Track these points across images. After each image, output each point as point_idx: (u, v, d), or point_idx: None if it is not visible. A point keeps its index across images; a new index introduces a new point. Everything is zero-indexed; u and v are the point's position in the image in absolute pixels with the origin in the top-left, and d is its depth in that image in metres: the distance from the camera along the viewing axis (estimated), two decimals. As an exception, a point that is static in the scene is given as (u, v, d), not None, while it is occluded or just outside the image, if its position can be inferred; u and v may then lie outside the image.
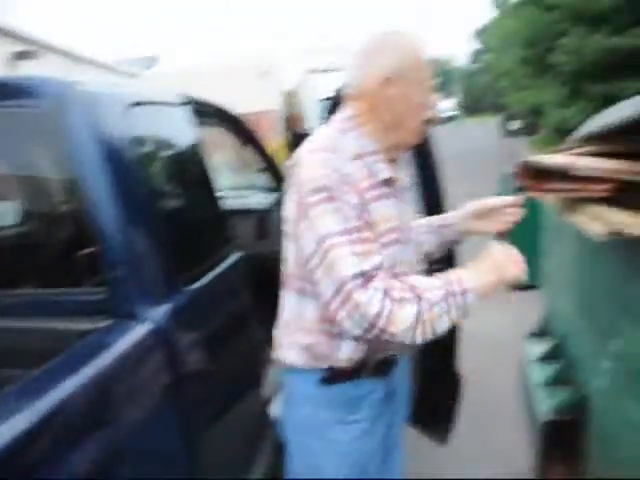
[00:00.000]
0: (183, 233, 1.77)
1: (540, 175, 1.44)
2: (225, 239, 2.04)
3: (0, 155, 1.80)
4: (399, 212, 1.38)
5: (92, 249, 1.52)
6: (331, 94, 1.87)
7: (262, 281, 2.28)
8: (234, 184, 3.54)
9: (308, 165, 1.26)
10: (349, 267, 1.18)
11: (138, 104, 1.66)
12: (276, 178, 2.98)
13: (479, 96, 58.29)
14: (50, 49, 12.86)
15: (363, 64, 1.35)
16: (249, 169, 3.00)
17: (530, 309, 2.76)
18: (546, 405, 1.84)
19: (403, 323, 1.18)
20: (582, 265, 1.89)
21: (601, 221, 1.30)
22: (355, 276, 1.17)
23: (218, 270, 1.86)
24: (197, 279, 1.71)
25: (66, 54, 13.79)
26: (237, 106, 2.77)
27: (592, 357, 1.68)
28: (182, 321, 1.56)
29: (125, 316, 1.45)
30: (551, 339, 2.20)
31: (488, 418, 3.03)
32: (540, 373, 2.05)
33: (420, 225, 1.59)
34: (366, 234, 1.23)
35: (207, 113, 2.26)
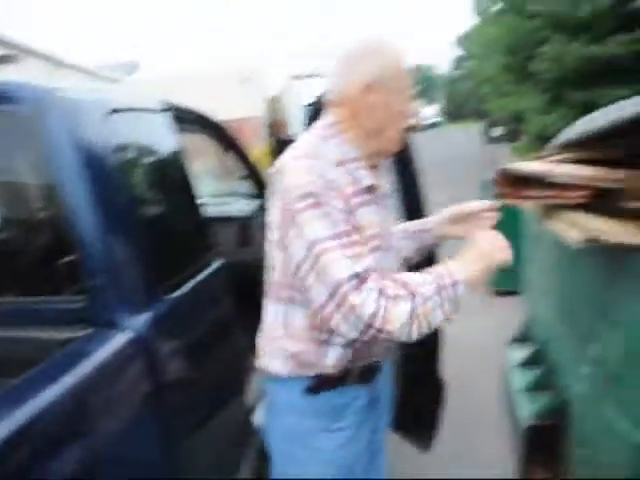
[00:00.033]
0: (164, 241, 1.76)
1: (519, 182, 1.46)
2: (207, 247, 2.03)
3: (-23, 162, 1.77)
4: (381, 219, 1.39)
5: (72, 257, 1.50)
6: (313, 100, 1.87)
7: (244, 289, 2.27)
8: (216, 191, 3.52)
9: (293, 172, 1.26)
10: (342, 270, 1.18)
11: (118, 110, 1.65)
12: (258, 185, 2.97)
13: (462, 103, 58.86)
14: (31, 53, 12.74)
15: (344, 71, 1.36)
16: (231, 176, 2.99)
17: (513, 315, 2.78)
18: (527, 410, 1.86)
19: (399, 320, 1.18)
20: (561, 271, 1.91)
21: (578, 228, 1.31)
22: (350, 278, 1.18)
23: (199, 278, 1.85)
24: (178, 287, 1.70)
25: (47, 58, 13.68)
26: (220, 112, 2.77)
27: (572, 362, 1.70)
28: (163, 329, 1.54)
29: (105, 325, 1.44)
30: (532, 345, 2.22)
31: (472, 424, 3.04)
32: (521, 379, 2.07)
33: (398, 231, 1.60)
34: (355, 237, 1.24)
35: (188, 120, 2.25)
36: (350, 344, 1.35)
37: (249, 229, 3.21)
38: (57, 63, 14.27)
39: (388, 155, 1.49)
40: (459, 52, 54.80)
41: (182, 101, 2.21)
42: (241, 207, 3.29)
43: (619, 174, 1.35)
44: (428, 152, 17.78)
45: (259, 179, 2.96)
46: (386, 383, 1.57)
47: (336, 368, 1.36)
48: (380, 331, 1.18)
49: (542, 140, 10.41)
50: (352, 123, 1.36)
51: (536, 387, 1.95)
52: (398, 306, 1.19)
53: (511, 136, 23.33)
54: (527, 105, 15.37)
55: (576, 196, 1.39)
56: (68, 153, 1.43)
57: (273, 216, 1.32)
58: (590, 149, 1.50)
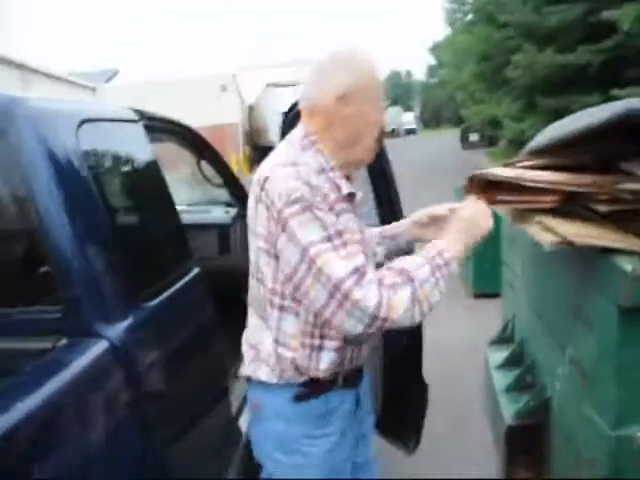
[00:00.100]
0: (141, 249, 1.74)
1: (489, 187, 1.49)
2: (185, 254, 2.02)
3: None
4: (358, 226, 1.40)
5: (47, 268, 1.48)
6: (289, 108, 1.88)
7: (223, 295, 2.27)
8: (193, 199, 3.51)
9: (279, 179, 1.27)
10: (341, 268, 1.20)
11: (90, 120, 1.64)
12: (236, 192, 2.97)
13: (438, 109, 59.55)
14: (3, 61, 12.56)
15: (318, 81, 1.36)
16: (208, 184, 2.98)
17: (494, 316, 2.82)
18: (509, 410, 1.88)
19: (402, 306, 1.21)
20: (537, 273, 1.94)
21: (550, 231, 1.34)
22: (350, 274, 1.20)
23: (177, 286, 1.84)
24: (156, 295, 1.68)
25: (20, 67, 13.50)
26: (198, 119, 2.76)
27: (551, 362, 1.73)
28: (141, 338, 1.53)
29: (82, 334, 1.42)
30: (512, 345, 2.25)
31: (455, 424, 3.06)
32: (502, 379, 2.09)
33: (372, 237, 1.62)
34: (346, 237, 1.26)
35: (162, 128, 2.24)
36: (341, 348, 1.36)
37: (227, 236, 3.20)
38: (31, 72, 14.09)
39: (362, 165, 1.51)
40: (432, 61, 55.50)
41: (161, 108, 2.20)
42: (218, 214, 3.28)
43: (587, 179, 1.39)
44: (405, 158, 17.98)
45: (236, 186, 2.95)
46: (366, 388, 1.58)
47: (327, 372, 1.37)
48: (385, 320, 1.20)
49: (517, 146, 10.59)
50: (325, 134, 1.36)
51: (517, 387, 1.97)
52: (399, 293, 1.21)
53: (487, 142, 23.69)
54: (502, 112, 15.63)
55: (547, 200, 1.42)
56: (40, 163, 1.42)
57: (259, 225, 1.32)
58: (559, 155, 1.54)
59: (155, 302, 1.66)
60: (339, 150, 1.37)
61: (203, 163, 2.74)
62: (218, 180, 2.89)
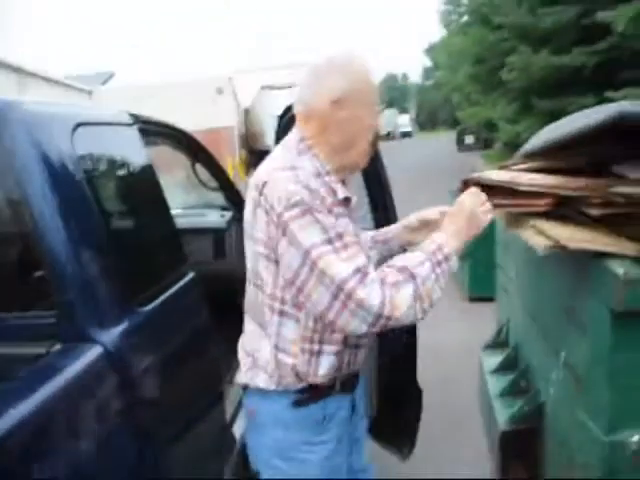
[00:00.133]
0: (135, 254, 1.74)
1: (484, 190, 1.49)
2: (179, 259, 2.02)
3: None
4: (354, 231, 1.40)
5: (41, 272, 1.48)
6: (284, 112, 1.88)
7: (218, 300, 2.26)
8: (188, 203, 3.51)
9: (278, 183, 1.27)
10: (343, 269, 1.21)
11: (85, 124, 1.64)
12: (231, 196, 2.96)
13: (434, 111, 59.66)
14: (0, 65, 12.53)
15: (313, 85, 1.37)
16: (203, 187, 2.97)
17: (489, 320, 2.82)
18: (503, 415, 1.88)
19: (405, 304, 1.22)
20: (530, 277, 1.95)
21: (543, 235, 1.35)
22: (353, 274, 1.20)
23: (172, 290, 1.83)
24: (151, 300, 1.68)
25: (17, 70, 13.47)
26: (194, 122, 2.76)
27: (544, 366, 1.73)
28: (135, 343, 1.53)
29: (76, 339, 1.42)
30: (507, 350, 2.25)
31: (450, 428, 3.06)
32: (497, 384, 2.09)
33: (365, 241, 1.62)
34: (347, 239, 1.26)
35: (157, 132, 2.24)
36: (340, 352, 1.36)
37: (222, 240, 3.20)
38: (27, 75, 14.05)
39: (357, 169, 1.51)
40: (428, 62, 55.64)
41: (157, 111, 2.20)
42: (214, 218, 3.27)
43: (580, 182, 1.39)
44: (401, 161, 18.01)
45: (232, 190, 2.95)
46: (362, 392, 1.58)
47: (326, 377, 1.37)
48: (389, 318, 1.21)
49: (513, 148, 10.62)
50: (321, 139, 1.37)
51: (511, 392, 1.97)
52: (401, 291, 1.22)
53: (482, 144, 23.75)
54: (497, 114, 15.68)
55: (542, 204, 1.43)
56: (34, 167, 1.42)
57: (259, 230, 1.31)
58: (553, 158, 1.55)
59: (150, 307, 1.66)
60: (334, 154, 1.38)
61: (198, 167, 2.74)
62: (213, 184, 2.89)
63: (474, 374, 2.44)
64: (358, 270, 1.21)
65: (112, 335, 1.45)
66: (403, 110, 62.16)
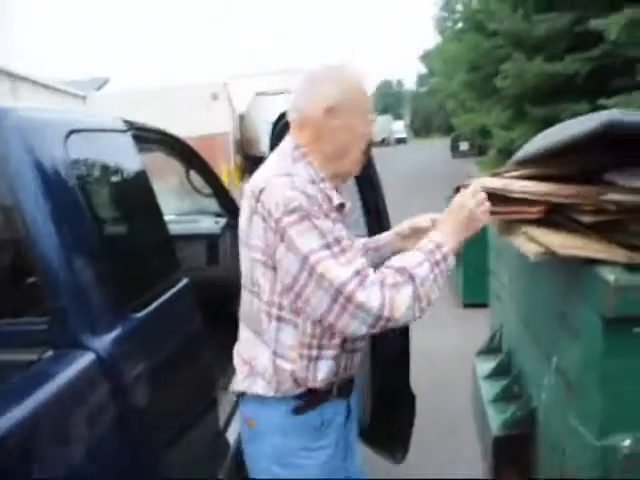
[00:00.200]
0: (129, 260, 1.74)
1: None
2: (173, 265, 2.02)
3: None
4: (347, 236, 1.41)
5: (34, 279, 1.48)
6: (278, 118, 1.89)
7: (212, 306, 2.26)
8: (181, 209, 3.51)
9: (275, 189, 1.28)
10: (342, 272, 1.22)
11: (78, 131, 1.64)
12: (225, 202, 2.96)
13: (429, 117, 59.89)
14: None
15: (306, 93, 1.38)
16: (196, 194, 2.98)
17: (483, 326, 2.82)
18: (496, 420, 1.88)
19: (404, 305, 1.24)
20: (523, 283, 1.95)
21: (535, 242, 1.35)
22: (352, 277, 1.22)
23: (166, 296, 1.83)
24: (144, 306, 1.68)
25: (11, 76, 13.45)
26: (189, 128, 2.76)
27: (537, 372, 1.73)
28: (128, 350, 1.52)
29: (69, 346, 1.42)
30: (500, 355, 2.25)
31: (444, 434, 3.06)
32: (490, 389, 2.09)
33: (358, 248, 1.63)
34: (345, 243, 1.27)
35: (151, 138, 2.25)
36: (337, 357, 1.37)
37: (216, 247, 3.20)
38: (21, 80, 14.04)
39: (350, 177, 1.52)
40: (422, 69, 55.90)
41: (152, 116, 2.20)
42: (207, 224, 3.27)
43: (571, 189, 1.40)
44: (395, 167, 18.06)
45: (225, 196, 2.95)
46: (356, 397, 1.59)
47: (324, 382, 1.38)
48: (389, 320, 1.23)
49: (507, 154, 10.67)
50: (315, 146, 1.38)
51: (504, 397, 1.97)
52: (401, 292, 1.24)
53: (477, 151, 23.85)
54: (492, 120, 15.75)
55: (534, 211, 1.44)
56: (27, 174, 1.42)
57: (255, 237, 1.32)
58: (545, 165, 1.56)
59: (143, 313, 1.66)
60: (328, 162, 1.39)
61: (192, 173, 2.74)
62: (207, 190, 2.89)
63: (468, 380, 2.45)
64: (357, 273, 1.23)
65: (105, 342, 1.45)
66: (398, 116, 62.35)
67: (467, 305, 5.09)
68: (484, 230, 2.22)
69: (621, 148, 1.46)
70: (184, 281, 2.00)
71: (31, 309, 1.66)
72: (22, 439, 1.16)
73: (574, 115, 1.90)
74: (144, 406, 1.56)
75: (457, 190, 1.48)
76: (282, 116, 1.80)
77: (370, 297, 1.21)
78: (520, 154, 1.85)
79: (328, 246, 1.24)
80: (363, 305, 1.21)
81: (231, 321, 1.78)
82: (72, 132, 1.60)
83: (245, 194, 1.38)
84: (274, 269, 1.30)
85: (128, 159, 1.93)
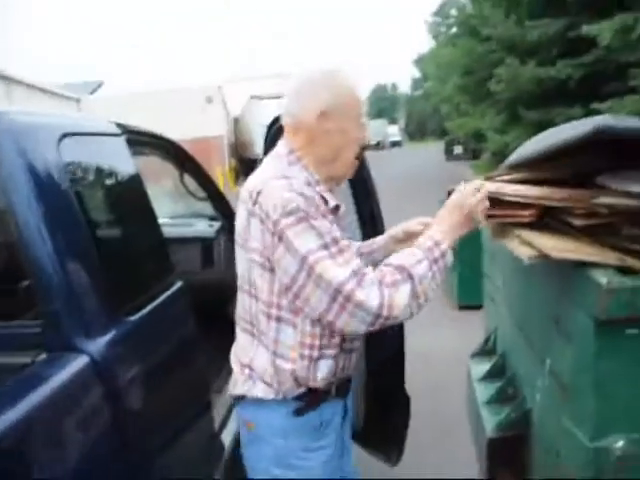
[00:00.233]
0: (123, 263, 1.74)
1: None
2: (167, 268, 2.01)
3: None
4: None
5: (27, 282, 1.48)
6: (272, 122, 1.90)
7: (206, 309, 2.26)
8: (177, 212, 3.50)
9: (273, 191, 1.29)
10: (340, 272, 1.23)
11: (71, 134, 1.64)
12: (219, 206, 2.96)
13: (423, 121, 60.06)
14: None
15: (300, 98, 1.39)
16: (191, 197, 2.97)
17: (478, 328, 2.83)
18: (491, 422, 1.89)
19: (402, 303, 1.25)
20: (517, 285, 1.96)
21: (528, 245, 1.36)
22: (350, 277, 1.23)
23: (160, 300, 1.83)
24: (138, 310, 1.67)
25: (4, 79, 13.41)
26: (183, 131, 2.77)
27: (531, 374, 1.74)
28: (122, 353, 1.52)
29: (62, 349, 1.41)
30: (494, 358, 2.26)
31: (440, 435, 3.06)
32: (484, 391, 2.10)
33: None
34: (343, 243, 1.28)
35: (144, 142, 2.24)
36: (337, 356, 1.38)
37: (210, 250, 3.19)
38: (14, 83, 13.99)
39: (343, 180, 1.54)
40: (417, 73, 56.10)
41: (146, 119, 2.20)
42: (202, 228, 3.27)
43: (564, 193, 1.41)
44: (390, 170, 18.09)
45: (220, 199, 2.95)
46: (350, 397, 1.59)
47: (324, 382, 1.38)
48: (387, 318, 1.25)
49: (501, 158, 10.71)
50: (309, 150, 1.40)
51: (498, 399, 1.98)
52: (400, 291, 1.25)
53: (471, 154, 23.94)
54: (486, 124, 15.82)
55: (526, 215, 1.45)
56: (20, 177, 1.42)
57: (253, 239, 1.33)
58: (538, 169, 1.57)
59: (137, 316, 1.66)
60: (322, 165, 1.41)
61: (186, 176, 2.74)
62: (201, 193, 2.89)
63: (463, 382, 2.45)
64: (355, 273, 1.24)
65: (98, 345, 1.45)
66: (392, 120, 62.53)
67: (462, 307, 5.10)
68: (479, 232, 2.24)
69: (613, 152, 1.47)
70: (178, 284, 1.99)
71: (25, 312, 1.66)
72: (16, 442, 1.15)
73: (568, 119, 1.92)
74: (138, 409, 1.55)
75: (450, 193, 1.49)
76: (276, 120, 1.80)
77: (369, 296, 1.22)
78: (513, 158, 1.87)
79: (326, 246, 1.25)
80: (362, 304, 1.22)
81: (225, 324, 1.78)
82: (65, 135, 1.59)
83: (241, 197, 1.39)
84: (272, 270, 1.31)
85: (122, 162, 1.93)
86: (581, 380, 1.32)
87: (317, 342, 1.35)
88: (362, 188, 1.98)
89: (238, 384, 1.44)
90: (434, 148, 32.27)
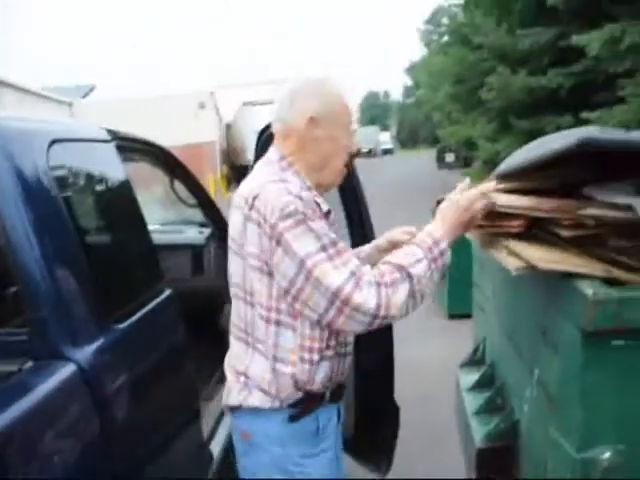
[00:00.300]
0: (112, 270, 1.73)
1: None
2: (157, 275, 2.01)
3: None
4: None
5: (14, 289, 1.46)
6: (263, 129, 1.90)
7: (196, 317, 2.25)
8: (167, 219, 3.49)
9: (271, 194, 1.29)
10: (338, 276, 1.24)
11: (61, 140, 1.63)
12: (210, 212, 2.95)
13: (415, 129, 60.30)
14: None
15: (290, 104, 1.41)
16: (182, 204, 2.96)
17: (470, 337, 2.83)
18: (479, 433, 1.89)
19: (400, 302, 1.27)
20: (506, 296, 1.97)
21: (516, 256, 1.37)
22: (347, 279, 1.24)
23: (149, 307, 1.82)
24: (127, 317, 1.67)
25: (-5, 83, 13.34)
26: (175, 137, 2.76)
27: (519, 385, 1.75)
28: (110, 361, 1.51)
29: (49, 357, 1.40)
30: (483, 368, 2.26)
31: (429, 445, 3.06)
32: (473, 401, 2.10)
33: None
34: (340, 246, 1.29)
35: (135, 148, 2.24)
36: (333, 358, 1.39)
37: (200, 257, 3.18)
38: (3, 86, 13.91)
39: (332, 187, 1.55)
40: (409, 81, 56.39)
41: (138, 124, 2.19)
42: (192, 235, 3.26)
43: (552, 204, 1.42)
44: (381, 178, 18.13)
45: (210, 207, 2.94)
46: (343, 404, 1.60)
47: (322, 384, 1.39)
48: (385, 317, 1.26)
49: (492, 166, 10.77)
50: (299, 156, 1.41)
51: (487, 409, 1.98)
52: (398, 291, 1.27)
53: (462, 162, 24.06)
54: (477, 132, 15.92)
55: (515, 225, 1.46)
56: (8, 182, 1.41)
57: (250, 244, 1.33)
58: (526, 179, 1.58)
59: (125, 324, 1.65)
60: (312, 172, 1.42)
61: (177, 183, 2.73)
62: (192, 200, 2.88)
63: (452, 391, 2.45)
64: (353, 274, 1.24)
65: (86, 353, 1.44)
66: (384, 127, 62.74)
67: (452, 316, 5.11)
68: (469, 242, 2.25)
69: (598, 163, 1.48)
70: (167, 292, 1.99)
71: (11, 320, 1.65)
72: (1, 451, 1.14)
73: (558, 128, 1.94)
74: (126, 418, 1.54)
75: (439, 202, 1.50)
76: (267, 127, 1.81)
77: (367, 298, 1.23)
78: (502, 167, 1.88)
79: (324, 248, 1.26)
80: (360, 307, 1.24)
81: (215, 332, 1.78)
82: (55, 142, 1.59)
83: (234, 203, 1.39)
84: (270, 274, 1.32)
85: (112, 169, 1.92)
86: (568, 391, 1.33)
87: (316, 345, 1.35)
88: (351, 196, 1.99)
89: (233, 393, 1.44)
90: (426, 156, 32.38)
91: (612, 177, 1.48)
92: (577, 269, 1.28)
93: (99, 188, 1.87)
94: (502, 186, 1.60)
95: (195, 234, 3.24)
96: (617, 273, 1.27)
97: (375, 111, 77.40)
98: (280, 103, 1.42)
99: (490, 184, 1.69)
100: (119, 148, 1.95)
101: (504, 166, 1.87)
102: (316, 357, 1.36)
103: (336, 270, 1.24)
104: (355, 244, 1.83)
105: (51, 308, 1.41)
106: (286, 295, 1.31)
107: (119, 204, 1.94)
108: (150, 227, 2.06)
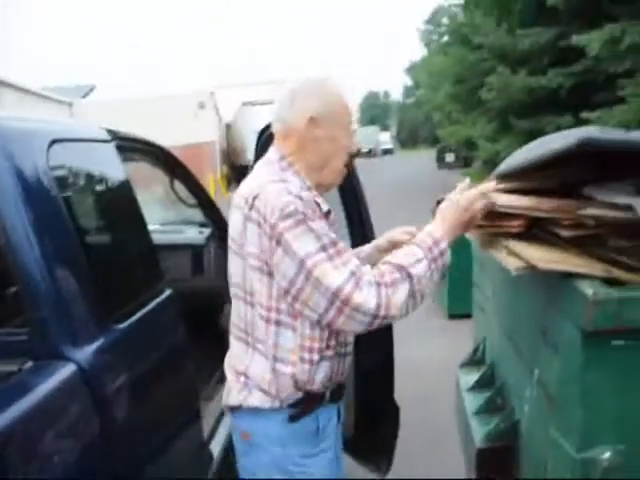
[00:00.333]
0: (112, 270, 1.73)
1: None
2: (157, 275, 2.01)
3: None
4: None
5: (14, 289, 1.47)
6: (263, 129, 1.90)
7: (196, 317, 2.25)
8: (167, 219, 3.49)
9: (270, 194, 1.30)
10: (337, 276, 1.24)
11: (61, 140, 1.64)
12: (210, 212, 2.95)
13: (415, 129, 60.29)
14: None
15: (290, 104, 1.41)
16: (182, 204, 2.97)
17: (470, 336, 2.84)
18: (479, 433, 1.89)
19: (400, 301, 1.27)
20: (506, 296, 1.97)
21: (516, 256, 1.37)
22: (347, 280, 1.24)
23: (149, 307, 1.82)
24: (127, 317, 1.67)
25: (-5, 83, 13.34)
26: (175, 137, 2.76)
27: (519, 385, 1.75)
28: (110, 361, 1.51)
29: (49, 357, 1.40)
30: (483, 368, 2.26)
31: (429, 445, 3.06)
32: (473, 401, 2.10)
33: None
34: (340, 246, 1.29)
35: (134, 148, 2.24)
36: (333, 358, 1.39)
37: (200, 257, 3.18)
38: (3, 86, 13.91)
39: (332, 187, 1.55)
40: (409, 81, 56.37)
41: (138, 124, 2.19)
42: (192, 235, 3.26)
43: (551, 204, 1.42)
44: (381, 178, 18.13)
45: (210, 206, 2.94)
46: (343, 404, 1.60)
47: (322, 384, 1.39)
48: (385, 317, 1.26)
49: (492, 166, 10.77)
50: (300, 156, 1.41)
51: (487, 409, 1.98)
52: (398, 291, 1.27)
53: (462, 162, 24.07)
54: (477, 132, 15.92)
55: (515, 225, 1.46)
56: (8, 183, 1.41)
57: (250, 244, 1.33)
58: (526, 179, 1.58)
59: (125, 324, 1.65)
60: (312, 172, 1.42)
61: (177, 183, 2.73)
62: (192, 200, 2.88)
63: (452, 391, 2.45)
64: (353, 274, 1.25)
65: (86, 353, 1.44)
66: (384, 127, 62.75)
67: (452, 316, 5.11)
68: (469, 242, 2.25)
69: (598, 163, 1.48)
70: (167, 292, 1.98)
71: (11, 320, 1.65)
72: (2, 451, 1.14)
73: (558, 128, 1.94)
74: (126, 418, 1.54)
75: (439, 203, 1.50)
76: (267, 127, 1.81)
77: (367, 298, 1.24)
78: (502, 167, 1.88)
79: (324, 248, 1.26)
80: (359, 307, 1.24)
81: (215, 331, 1.78)
82: (55, 142, 1.59)
83: (234, 203, 1.39)
84: (270, 274, 1.32)
85: (112, 169, 1.92)
86: (568, 391, 1.33)
87: (316, 345, 1.36)
88: (351, 196, 1.99)
89: (233, 393, 1.44)
90: (426, 156, 32.37)
91: (612, 177, 1.48)
92: (577, 269, 1.28)
93: (99, 188, 1.87)
94: (502, 186, 1.60)
95: (195, 234, 3.24)
96: (617, 273, 1.27)
97: (375, 111, 77.43)
98: (280, 103, 1.43)
99: (490, 184, 1.69)
100: (119, 148, 1.95)
101: (504, 166, 1.87)
102: (316, 357, 1.36)
103: (336, 270, 1.24)
104: (355, 244, 1.83)
105: (51, 308, 1.41)
106: (286, 295, 1.31)
107: (119, 204, 1.94)
108: (150, 227, 2.06)
